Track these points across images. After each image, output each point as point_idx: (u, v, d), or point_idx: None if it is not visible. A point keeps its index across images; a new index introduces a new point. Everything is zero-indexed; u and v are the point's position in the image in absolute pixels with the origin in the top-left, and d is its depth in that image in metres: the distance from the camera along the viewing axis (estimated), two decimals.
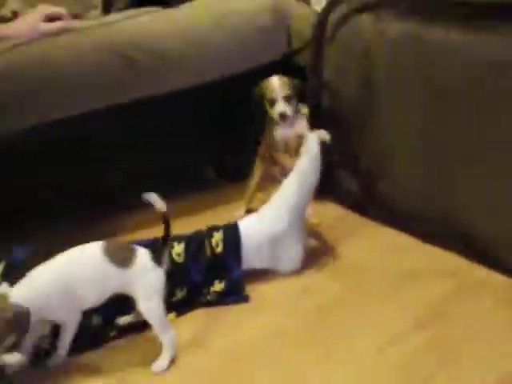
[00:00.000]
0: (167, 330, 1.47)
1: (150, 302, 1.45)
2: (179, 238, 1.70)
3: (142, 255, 1.45)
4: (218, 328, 1.61)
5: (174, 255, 1.66)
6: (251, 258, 1.74)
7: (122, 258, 1.43)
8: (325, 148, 1.82)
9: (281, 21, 2.11)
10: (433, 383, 1.38)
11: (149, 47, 1.88)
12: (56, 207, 1.94)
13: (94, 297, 1.45)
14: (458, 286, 1.70)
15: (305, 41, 2.07)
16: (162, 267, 1.47)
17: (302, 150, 1.80)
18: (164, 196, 1.93)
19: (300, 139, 1.87)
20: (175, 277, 1.64)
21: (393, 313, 1.62)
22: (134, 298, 1.46)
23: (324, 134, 1.81)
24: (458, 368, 1.41)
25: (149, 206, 1.43)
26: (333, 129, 2.01)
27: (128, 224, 2.01)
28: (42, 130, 1.83)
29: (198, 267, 1.68)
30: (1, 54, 1.75)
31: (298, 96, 1.93)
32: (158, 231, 1.50)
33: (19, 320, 1.33)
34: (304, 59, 2.10)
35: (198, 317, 1.66)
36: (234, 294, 1.70)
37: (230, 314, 1.67)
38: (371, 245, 1.92)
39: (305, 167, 1.77)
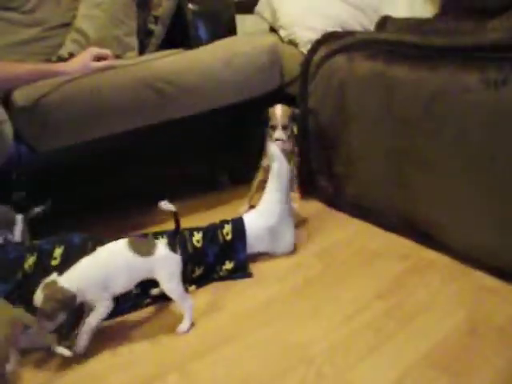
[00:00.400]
0: (186, 301, 1.49)
1: (170, 283, 1.46)
2: (198, 229, 1.72)
3: (161, 246, 1.46)
4: (228, 297, 1.63)
5: (194, 241, 1.68)
6: (253, 244, 1.76)
7: (145, 250, 1.43)
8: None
9: (276, 60, 2.13)
10: (394, 340, 1.41)
11: (173, 80, 1.89)
12: (104, 204, 1.92)
13: (125, 284, 1.45)
14: (412, 265, 1.72)
15: (294, 76, 2.08)
16: (177, 254, 1.48)
17: (269, 157, 1.84)
18: (186, 197, 1.96)
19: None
20: (195, 258, 1.66)
21: (361, 285, 1.64)
22: (158, 280, 1.46)
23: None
24: (412, 330, 1.44)
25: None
26: (315, 143, 2.04)
27: (156, 217, 2.00)
28: (91, 145, 1.84)
29: (213, 251, 1.69)
30: (60, 86, 1.76)
31: (294, 120, 1.96)
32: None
33: (68, 300, 1.33)
34: (293, 90, 2.11)
35: (213, 289, 1.68)
36: (241, 272, 1.72)
37: (238, 286, 1.69)
38: (344, 232, 1.94)
39: (276, 168, 1.79)
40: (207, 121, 2.04)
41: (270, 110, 1.95)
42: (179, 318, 1.51)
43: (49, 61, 2.09)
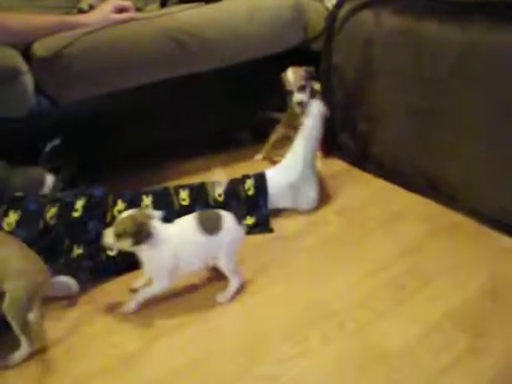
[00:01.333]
0: (236, 278, 1.45)
1: (229, 255, 1.42)
2: (220, 183, 1.71)
3: (228, 218, 1.42)
4: (249, 252, 1.62)
5: (216, 195, 1.68)
6: (275, 200, 1.76)
7: (212, 226, 1.38)
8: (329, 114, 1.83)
9: (299, 15, 2.09)
10: (416, 299, 1.41)
11: (196, 33, 1.88)
12: (125, 158, 1.92)
13: (195, 267, 1.43)
14: (435, 227, 1.70)
15: (318, 31, 2.04)
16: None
17: (306, 113, 1.81)
18: (208, 153, 1.95)
19: None
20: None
21: (383, 244, 1.64)
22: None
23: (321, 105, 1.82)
24: (434, 290, 1.44)
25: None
26: (338, 101, 2.02)
27: (176, 172, 2.01)
28: (111, 98, 1.84)
29: (235, 205, 1.69)
30: (80, 37, 1.75)
31: (311, 78, 1.92)
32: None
33: (143, 234, 1.31)
34: (317, 46, 2.08)
35: None
36: (261, 226, 1.72)
37: (258, 240, 1.69)
38: (366, 192, 1.93)
39: (309, 126, 1.78)
40: (229, 76, 2.02)
41: (283, 75, 1.92)
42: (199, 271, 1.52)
43: (69, 13, 2.07)
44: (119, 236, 1.31)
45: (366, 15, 1.90)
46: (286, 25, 2.05)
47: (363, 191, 1.92)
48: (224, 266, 1.42)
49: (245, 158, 2.16)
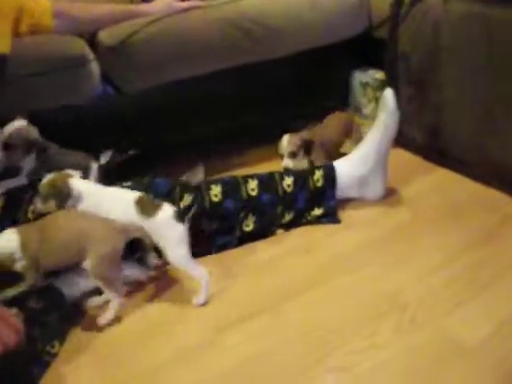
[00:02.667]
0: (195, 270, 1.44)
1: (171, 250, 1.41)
2: (288, 173, 1.71)
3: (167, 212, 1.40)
4: (317, 241, 1.63)
5: (285, 186, 1.67)
6: (343, 190, 1.74)
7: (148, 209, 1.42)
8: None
9: (363, 2, 2.05)
10: (487, 292, 1.38)
11: (261, 21, 1.87)
12: (187, 147, 1.93)
13: None
14: (503, 217, 1.67)
15: (383, 18, 2.01)
16: None
17: (381, 105, 1.75)
18: (266, 142, 1.95)
19: None
20: (285, 202, 1.66)
21: (450, 235, 1.61)
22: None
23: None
24: (505, 283, 1.41)
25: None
26: (403, 89, 1.99)
27: (239, 161, 2.02)
28: (176, 86, 1.85)
29: (303, 196, 1.68)
30: (146, 25, 1.77)
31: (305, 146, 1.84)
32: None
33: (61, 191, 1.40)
34: (382, 33, 2.04)
35: (301, 232, 1.68)
36: (329, 217, 1.70)
37: (326, 230, 1.68)
38: (431, 182, 1.89)
39: (385, 120, 1.72)
40: (291, 64, 2.01)
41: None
42: (267, 261, 1.52)
43: (133, 2, 2.09)
44: (44, 200, 1.40)
45: (434, 0, 1.86)
46: (350, 12, 2.02)
47: (429, 181, 1.89)
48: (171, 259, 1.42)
49: None
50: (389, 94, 1.72)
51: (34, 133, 1.59)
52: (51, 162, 1.60)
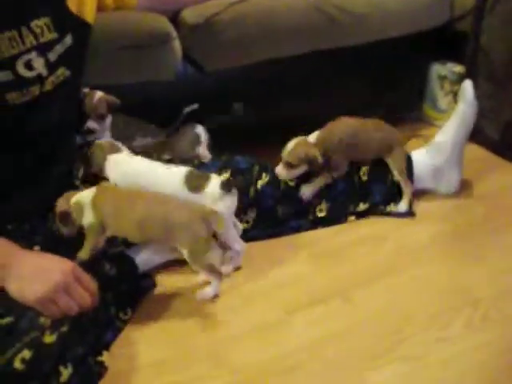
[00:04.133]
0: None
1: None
2: (364, 162, 1.69)
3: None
4: (390, 231, 1.62)
5: (361, 174, 1.66)
6: (418, 181, 1.72)
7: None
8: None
9: None
10: None
11: (345, 7, 1.86)
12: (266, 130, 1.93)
13: None
14: None
15: (466, 10, 1.96)
16: None
17: (460, 96, 1.73)
18: None
19: None
20: (360, 192, 1.67)
21: None
22: None
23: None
24: None
25: None
26: (482, 84, 1.94)
27: None
28: (257, 68, 1.86)
29: (380, 190, 1.67)
30: (231, 5, 1.77)
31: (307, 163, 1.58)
32: None
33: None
34: (464, 26, 2.00)
35: (374, 222, 1.67)
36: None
37: (400, 221, 1.66)
38: (508, 180, 1.85)
39: (463, 111, 1.70)
40: (368, 53, 1.98)
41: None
42: (337, 249, 1.54)
43: None
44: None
45: None
46: (433, 1, 1.98)
47: (505, 180, 1.85)
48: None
49: None
50: (468, 85, 1.71)
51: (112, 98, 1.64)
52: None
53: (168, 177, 1.42)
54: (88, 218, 1.32)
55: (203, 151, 1.72)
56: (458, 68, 2.06)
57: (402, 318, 1.31)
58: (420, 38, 2.01)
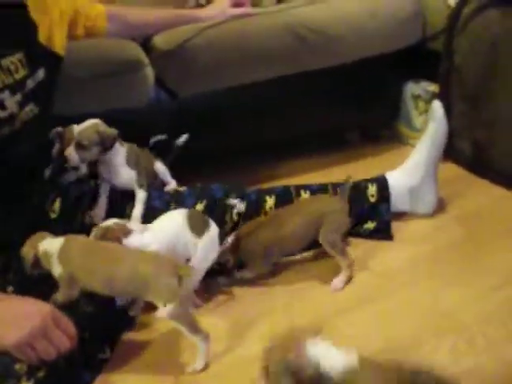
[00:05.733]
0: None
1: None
2: (340, 185, 1.66)
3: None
4: (369, 255, 1.61)
5: None
6: (395, 203, 1.72)
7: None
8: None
9: (418, 12, 2.02)
10: None
11: (318, 29, 1.85)
12: (239, 153, 1.92)
13: None
14: None
15: (438, 29, 1.98)
16: None
17: (430, 116, 1.75)
18: (315, 152, 1.92)
19: None
20: None
21: (507, 256, 1.57)
22: None
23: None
24: None
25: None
26: (456, 103, 1.96)
27: (289, 169, 2.01)
28: (230, 93, 1.84)
29: (356, 210, 1.66)
30: (202, 30, 1.76)
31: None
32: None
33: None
34: (436, 45, 2.01)
35: (352, 246, 1.66)
36: (382, 233, 1.68)
37: (378, 245, 1.66)
38: (485, 199, 1.85)
39: (433, 130, 1.72)
40: (342, 73, 1.97)
41: None
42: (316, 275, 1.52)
43: (186, 8, 2.09)
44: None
45: (494, 15, 1.82)
46: (406, 22, 1.98)
47: (482, 199, 1.85)
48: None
49: (351, 158, 2.11)
50: (437, 105, 1.73)
51: (108, 130, 1.50)
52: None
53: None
54: (57, 270, 1.25)
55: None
56: (432, 87, 2.07)
57: (385, 346, 1.28)
58: (394, 58, 2.01)
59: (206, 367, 1.25)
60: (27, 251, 1.27)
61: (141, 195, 1.53)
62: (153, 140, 1.74)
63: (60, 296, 1.25)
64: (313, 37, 1.84)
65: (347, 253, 1.51)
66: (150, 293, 1.21)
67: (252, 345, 1.31)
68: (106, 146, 1.48)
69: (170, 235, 1.38)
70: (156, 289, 1.20)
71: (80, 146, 1.45)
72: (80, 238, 1.32)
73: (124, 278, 1.22)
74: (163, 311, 1.20)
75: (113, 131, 1.50)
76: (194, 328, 1.23)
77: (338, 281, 1.48)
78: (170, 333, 1.35)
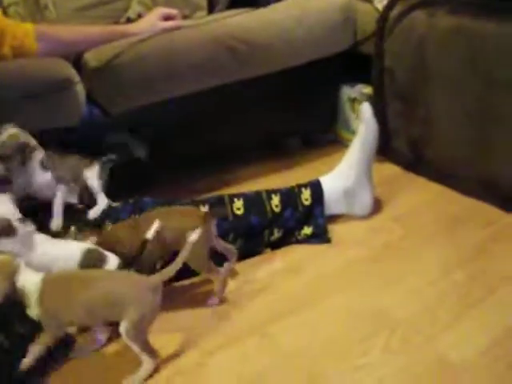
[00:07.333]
0: None
1: None
2: (275, 191, 1.69)
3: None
4: (306, 260, 1.61)
5: (273, 206, 1.66)
6: (330, 206, 1.73)
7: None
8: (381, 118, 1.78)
9: (349, 17, 2.05)
10: (480, 309, 1.36)
11: (246, 39, 1.86)
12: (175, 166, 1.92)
13: None
14: (496, 232, 1.66)
15: (368, 33, 2.01)
16: None
17: (360, 118, 1.77)
18: (257, 159, 1.91)
19: None
20: (274, 222, 1.65)
21: (443, 251, 1.60)
22: None
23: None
24: (498, 299, 1.39)
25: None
26: (391, 104, 1.98)
27: (228, 180, 2.01)
28: (163, 107, 1.84)
29: (293, 215, 1.67)
30: (131, 46, 1.75)
31: None
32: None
33: None
34: (367, 49, 2.03)
35: (289, 252, 1.66)
36: (319, 237, 1.69)
37: (315, 249, 1.66)
38: (422, 197, 1.87)
39: (363, 131, 1.74)
40: (278, 81, 1.99)
41: None
42: (254, 282, 1.52)
43: (117, 23, 2.08)
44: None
45: (419, 16, 1.86)
46: (336, 27, 2.01)
47: (419, 196, 1.87)
48: None
49: (294, 164, 2.12)
50: (365, 107, 1.76)
51: (27, 138, 1.51)
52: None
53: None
54: (34, 311, 1.21)
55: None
56: (367, 89, 2.09)
57: (319, 351, 1.28)
58: (327, 63, 2.03)
59: None
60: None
61: (61, 189, 1.54)
62: (105, 159, 1.72)
63: (46, 337, 1.23)
64: (241, 47, 1.84)
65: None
66: (123, 312, 1.20)
67: None
68: (25, 155, 1.48)
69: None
70: (130, 308, 1.20)
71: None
72: (53, 275, 1.28)
73: (100, 301, 1.21)
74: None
75: (31, 140, 1.50)
76: (149, 347, 1.24)
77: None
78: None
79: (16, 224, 1.34)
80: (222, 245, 1.49)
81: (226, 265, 1.48)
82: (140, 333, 1.21)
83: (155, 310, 1.23)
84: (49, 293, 1.22)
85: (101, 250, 1.39)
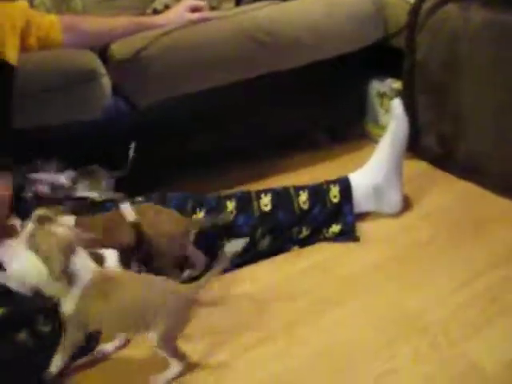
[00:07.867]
0: None
1: None
2: (303, 188, 1.66)
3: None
4: (334, 259, 1.59)
5: (300, 202, 1.63)
6: (359, 203, 1.69)
7: None
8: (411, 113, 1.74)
9: (379, 10, 2.00)
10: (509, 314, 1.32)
11: (274, 32, 1.82)
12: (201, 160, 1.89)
13: None
14: None
15: (400, 27, 1.95)
16: None
17: (391, 115, 1.74)
18: (285, 154, 1.88)
19: None
20: (302, 219, 1.62)
21: (474, 251, 1.56)
22: None
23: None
24: None
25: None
26: (421, 98, 1.94)
27: (257, 174, 1.97)
28: (189, 100, 1.82)
29: (321, 213, 1.64)
30: (158, 38, 1.73)
31: None
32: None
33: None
34: (398, 42, 1.98)
35: (317, 250, 1.63)
36: (347, 235, 1.66)
37: (344, 247, 1.64)
38: (452, 195, 1.83)
39: (393, 128, 1.71)
40: (306, 74, 1.96)
41: None
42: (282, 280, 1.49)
43: (143, 14, 2.06)
44: None
45: (452, 9, 1.81)
46: (366, 19, 1.97)
47: (448, 194, 1.83)
48: None
49: (322, 160, 2.08)
50: (396, 102, 1.73)
51: None
52: None
53: None
54: (68, 307, 1.17)
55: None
56: (397, 84, 2.05)
57: (347, 352, 1.26)
58: (356, 57, 1.99)
59: None
60: (58, 257, 1.13)
61: None
62: (115, 175, 1.69)
63: (68, 340, 1.19)
64: (270, 40, 1.81)
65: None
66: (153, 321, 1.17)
67: None
68: None
69: None
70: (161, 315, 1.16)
71: None
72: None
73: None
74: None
75: None
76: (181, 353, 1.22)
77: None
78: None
79: None
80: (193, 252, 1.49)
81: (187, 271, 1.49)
82: (170, 341, 1.19)
83: (187, 320, 1.21)
84: (93, 297, 1.17)
85: (95, 250, 1.29)
